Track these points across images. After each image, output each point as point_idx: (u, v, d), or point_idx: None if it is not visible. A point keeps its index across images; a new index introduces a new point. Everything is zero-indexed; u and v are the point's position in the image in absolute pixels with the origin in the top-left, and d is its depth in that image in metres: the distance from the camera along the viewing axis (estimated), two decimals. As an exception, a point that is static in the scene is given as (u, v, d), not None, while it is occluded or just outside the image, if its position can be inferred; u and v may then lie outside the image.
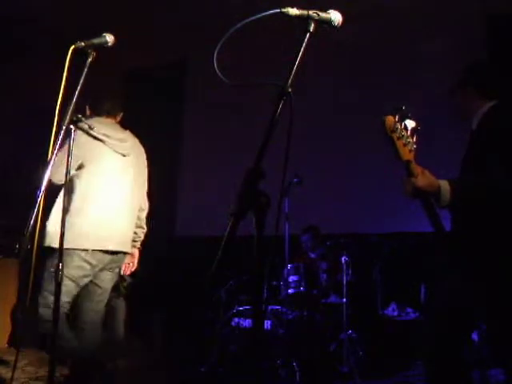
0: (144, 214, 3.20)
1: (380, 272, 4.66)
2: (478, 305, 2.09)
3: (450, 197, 2.00)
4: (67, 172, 2.23)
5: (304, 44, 1.54)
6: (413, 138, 2.02)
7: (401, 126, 1.97)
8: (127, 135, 3.07)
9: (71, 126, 2.10)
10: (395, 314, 4.45)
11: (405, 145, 1.98)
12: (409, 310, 4.42)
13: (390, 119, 1.93)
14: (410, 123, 2.02)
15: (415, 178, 2.00)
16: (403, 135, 1.97)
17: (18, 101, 6.93)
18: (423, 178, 2.01)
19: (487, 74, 2.40)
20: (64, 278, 2.38)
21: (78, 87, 2.00)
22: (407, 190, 2.02)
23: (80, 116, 2.14)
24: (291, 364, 3.58)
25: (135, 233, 3.12)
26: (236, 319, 4.05)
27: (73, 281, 2.76)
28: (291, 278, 4.31)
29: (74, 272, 2.75)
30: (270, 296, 4.25)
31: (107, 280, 2.98)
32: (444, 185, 2.02)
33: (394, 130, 1.93)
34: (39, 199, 1.88)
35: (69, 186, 2.74)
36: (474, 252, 2.08)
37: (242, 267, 3.83)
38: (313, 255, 4.90)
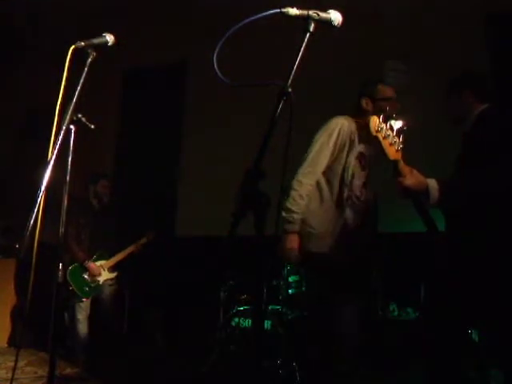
0: None
1: (380, 272, 4.65)
2: (477, 305, 2.09)
3: (438, 195, 2.01)
4: (67, 172, 2.21)
5: (304, 44, 1.54)
6: (399, 138, 2.03)
7: (386, 125, 1.98)
8: None
9: (71, 126, 2.09)
10: (395, 314, 4.44)
11: (391, 144, 1.99)
12: (409, 310, 4.41)
13: (374, 119, 1.94)
14: (396, 123, 2.03)
15: (403, 178, 2.01)
16: (389, 135, 1.98)
17: (17, 101, 6.92)
18: (411, 178, 2.02)
19: (483, 77, 2.41)
20: None
21: (78, 87, 2.00)
22: (397, 190, 2.03)
23: (80, 116, 2.13)
24: (291, 364, 3.58)
25: None
26: (236, 319, 4.05)
27: None
28: (291, 278, 4.30)
29: None
30: (270, 296, 4.24)
31: None
32: (432, 183, 2.03)
33: (379, 130, 1.94)
34: (39, 199, 1.87)
35: None
36: (470, 252, 2.08)
37: (242, 267, 3.82)
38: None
